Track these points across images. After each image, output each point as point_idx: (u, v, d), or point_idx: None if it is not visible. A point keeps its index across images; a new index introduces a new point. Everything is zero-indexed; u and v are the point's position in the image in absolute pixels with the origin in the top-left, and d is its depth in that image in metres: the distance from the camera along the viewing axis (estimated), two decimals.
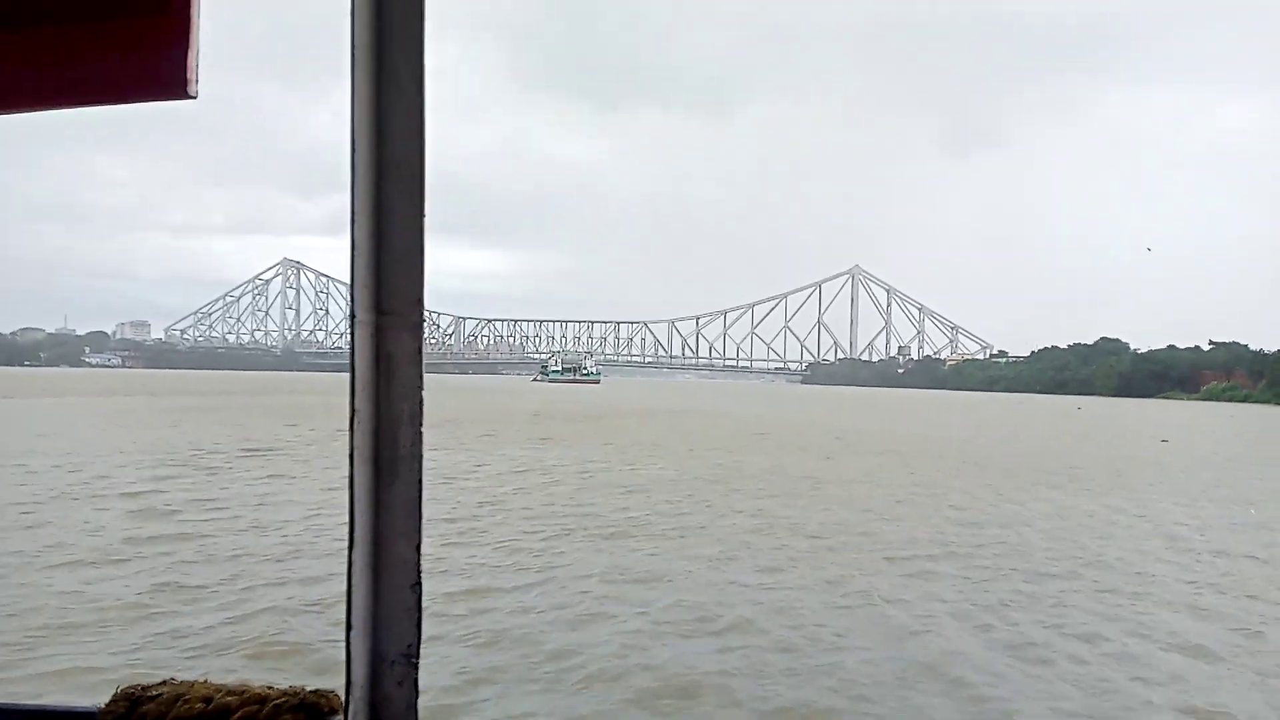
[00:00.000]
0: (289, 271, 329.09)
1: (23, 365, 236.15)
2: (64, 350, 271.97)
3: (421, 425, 1.11)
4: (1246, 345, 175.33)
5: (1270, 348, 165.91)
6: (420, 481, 1.11)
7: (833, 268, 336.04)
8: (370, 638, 1.09)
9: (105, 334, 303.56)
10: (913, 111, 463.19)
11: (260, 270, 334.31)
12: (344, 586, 1.08)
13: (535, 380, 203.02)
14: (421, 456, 1.11)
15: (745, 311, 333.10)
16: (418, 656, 1.11)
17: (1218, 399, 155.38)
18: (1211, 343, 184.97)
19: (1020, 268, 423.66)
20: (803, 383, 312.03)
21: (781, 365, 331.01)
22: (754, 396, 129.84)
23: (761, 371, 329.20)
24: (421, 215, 1.11)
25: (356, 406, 1.08)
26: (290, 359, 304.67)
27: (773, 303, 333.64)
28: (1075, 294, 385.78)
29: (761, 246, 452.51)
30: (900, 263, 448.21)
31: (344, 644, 1.09)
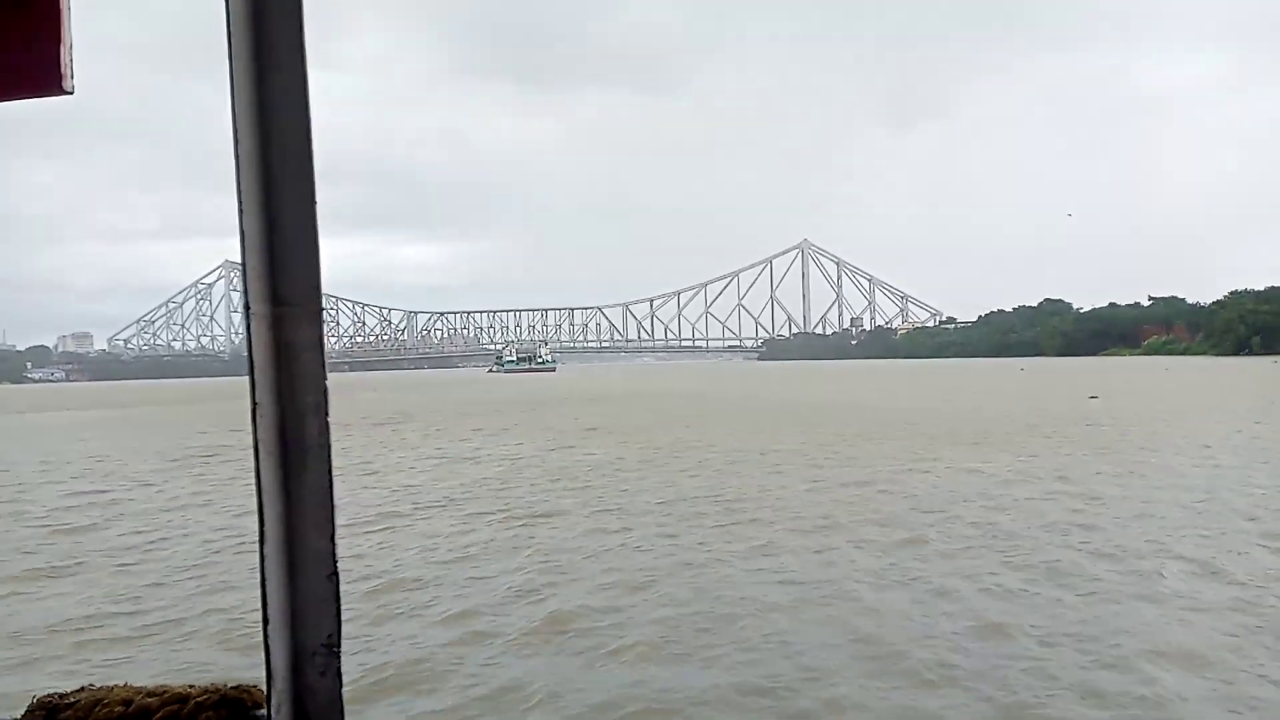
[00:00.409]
0: (231, 274, 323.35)
1: None
2: (4, 366, 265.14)
3: (328, 415, 1.09)
4: (1184, 299, 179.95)
5: (1207, 300, 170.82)
6: (330, 472, 1.09)
7: (783, 243, 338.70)
8: (289, 630, 1.08)
9: (47, 348, 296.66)
10: (857, 84, 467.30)
11: (202, 274, 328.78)
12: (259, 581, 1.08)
13: (490, 371, 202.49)
14: (329, 446, 1.09)
15: (698, 291, 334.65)
16: (339, 646, 1.10)
17: (1158, 353, 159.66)
18: (1151, 298, 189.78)
19: (967, 234, 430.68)
20: (760, 359, 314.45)
21: (738, 343, 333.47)
22: (708, 376, 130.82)
23: (719, 350, 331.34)
24: (313, 201, 1.08)
25: (258, 400, 1.07)
26: (239, 363, 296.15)
27: (725, 281, 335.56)
28: (1021, 256, 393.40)
29: (712, 225, 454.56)
30: (850, 235, 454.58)
31: (262, 639, 1.09)
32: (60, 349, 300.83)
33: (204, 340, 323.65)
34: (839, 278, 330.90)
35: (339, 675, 1.10)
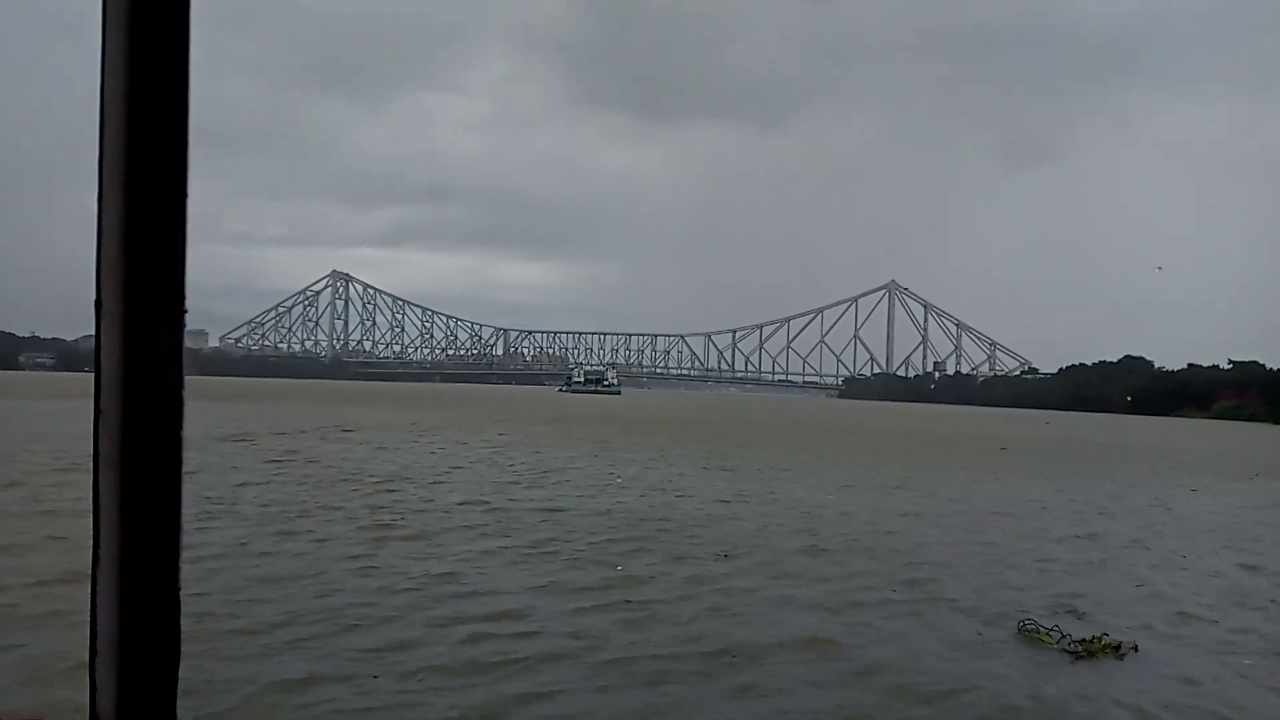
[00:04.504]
0: (338, 283, 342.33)
1: (84, 370, 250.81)
2: None
3: (181, 427, 1.00)
4: (1263, 365, 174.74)
5: None
6: (179, 489, 1.00)
7: (873, 282, 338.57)
8: (118, 663, 0.98)
9: None
10: (967, 124, 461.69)
11: (311, 281, 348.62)
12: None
13: (560, 391, 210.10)
14: (181, 461, 1.01)
15: (781, 325, 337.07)
16: (176, 682, 1.00)
17: (1225, 417, 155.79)
18: (1230, 361, 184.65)
19: (1066, 283, 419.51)
20: (839, 397, 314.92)
21: (818, 379, 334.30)
22: (769, 408, 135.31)
23: (803, 386, 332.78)
24: (183, 192, 1.00)
25: (102, 407, 0.98)
26: (338, 367, 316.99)
27: (809, 317, 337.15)
28: (1118, 310, 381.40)
29: (803, 260, 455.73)
30: (943, 278, 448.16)
31: (87, 671, 0.98)
32: None
33: (307, 344, 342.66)
34: (925, 320, 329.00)
35: (174, 715, 1.01)
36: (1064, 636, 10.42)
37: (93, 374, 0.98)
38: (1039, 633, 10.63)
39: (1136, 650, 10.19)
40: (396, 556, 13.67)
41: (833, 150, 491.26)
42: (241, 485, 20.56)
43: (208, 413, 48.47)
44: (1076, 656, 9.91)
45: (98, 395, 0.99)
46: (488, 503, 19.57)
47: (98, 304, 0.98)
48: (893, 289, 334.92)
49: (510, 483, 23.64)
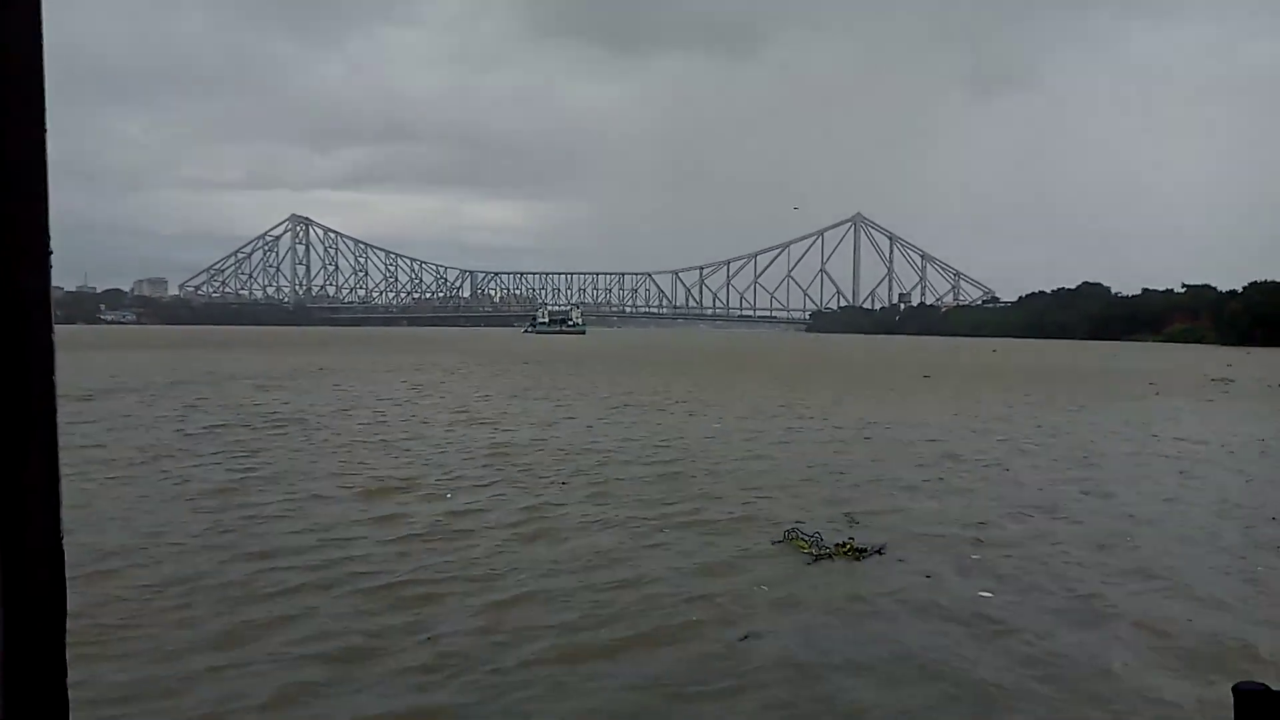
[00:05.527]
0: (297, 227, 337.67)
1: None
2: (81, 308, 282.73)
3: (54, 383, 0.90)
4: (1215, 288, 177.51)
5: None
6: (55, 452, 0.90)
7: (839, 214, 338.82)
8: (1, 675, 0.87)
9: (122, 291, 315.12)
10: (939, 51, 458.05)
11: (270, 226, 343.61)
12: None
13: (525, 332, 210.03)
14: (55, 421, 0.90)
15: (748, 261, 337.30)
16: (64, 667, 0.91)
17: (1177, 340, 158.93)
18: (1184, 285, 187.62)
19: (1033, 210, 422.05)
20: (807, 331, 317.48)
21: (786, 314, 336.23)
22: (729, 344, 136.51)
23: (774, 321, 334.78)
24: (42, 129, 0.90)
25: None
26: (302, 314, 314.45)
27: (775, 252, 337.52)
28: (1086, 237, 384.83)
29: (773, 194, 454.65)
30: (912, 207, 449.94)
31: None
32: (135, 293, 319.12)
33: (270, 291, 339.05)
34: (890, 253, 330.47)
35: (65, 701, 0.91)
36: (817, 543, 11.01)
37: None
38: (797, 539, 11.21)
39: (881, 553, 10.79)
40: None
41: (803, 80, 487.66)
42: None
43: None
44: (816, 559, 10.50)
45: None
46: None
47: None
48: (858, 221, 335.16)
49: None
